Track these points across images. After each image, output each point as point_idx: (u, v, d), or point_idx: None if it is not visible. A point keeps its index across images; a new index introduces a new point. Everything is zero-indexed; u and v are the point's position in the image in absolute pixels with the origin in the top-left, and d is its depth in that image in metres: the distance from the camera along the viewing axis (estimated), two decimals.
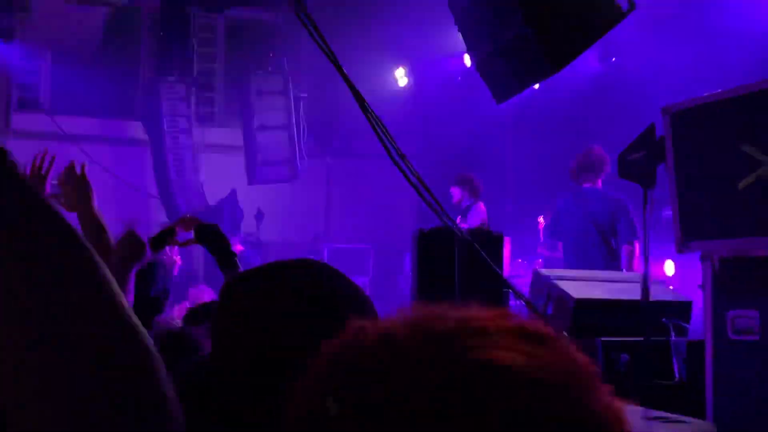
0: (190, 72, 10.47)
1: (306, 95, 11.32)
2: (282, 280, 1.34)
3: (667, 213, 6.80)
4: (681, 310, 4.83)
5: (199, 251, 11.25)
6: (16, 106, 11.11)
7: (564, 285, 4.91)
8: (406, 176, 5.10)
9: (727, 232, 3.56)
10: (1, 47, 9.37)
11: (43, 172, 2.68)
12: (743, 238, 3.50)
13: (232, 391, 1.28)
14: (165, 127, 10.13)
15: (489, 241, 4.74)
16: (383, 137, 5.06)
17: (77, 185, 2.65)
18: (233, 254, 2.93)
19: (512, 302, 5.40)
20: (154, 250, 2.84)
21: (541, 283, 5.10)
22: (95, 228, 2.61)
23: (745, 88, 3.47)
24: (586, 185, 6.72)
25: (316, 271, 1.37)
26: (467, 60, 7.79)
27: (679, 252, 4.01)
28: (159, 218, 10.19)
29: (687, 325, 4.78)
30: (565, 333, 4.60)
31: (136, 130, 10.78)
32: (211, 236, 2.87)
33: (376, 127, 5.14)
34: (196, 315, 3.77)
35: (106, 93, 10.96)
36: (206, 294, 8.35)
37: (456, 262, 4.52)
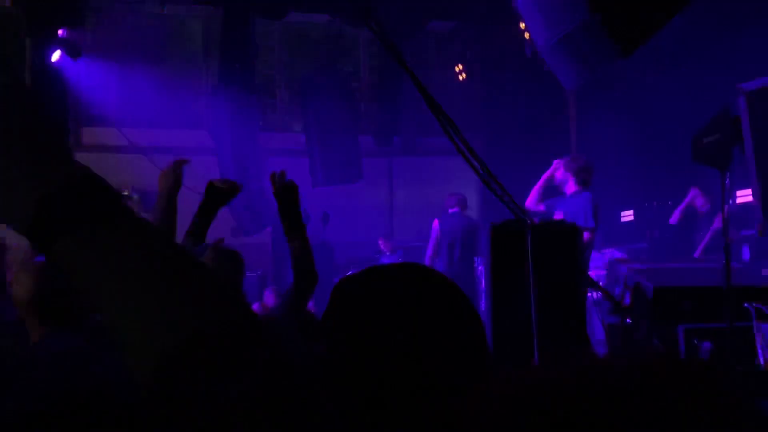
0: (252, 78, 10.61)
1: (368, 94, 11.39)
2: (391, 284, 1.37)
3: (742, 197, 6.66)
4: (763, 293, 4.71)
5: (269, 256, 11.42)
6: (86, 121, 11.43)
7: (641, 274, 4.84)
8: (475, 170, 5.10)
9: None
10: (69, 64, 9.63)
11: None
12: None
13: (349, 389, 1.30)
14: (230, 134, 10.29)
15: (562, 233, 4.69)
16: (451, 132, 5.07)
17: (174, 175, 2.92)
18: (303, 225, 3.03)
19: (589, 293, 5.34)
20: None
21: (617, 273, 5.04)
22: (172, 212, 2.82)
23: None
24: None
25: (423, 276, 1.39)
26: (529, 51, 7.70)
27: (760, 234, 3.92)
28: (227, 226, 10.37)
29: None
30: (645, 322, 4.54)
31: (203, 138, 10.98)
32: (290, 197, 3.00)
33: (444, 123, 5.15)
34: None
35: (171, 103, 11.20)
36: (270, 299, 8.46)
37: (529, 254, 4.49)
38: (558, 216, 6.66)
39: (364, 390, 1.27)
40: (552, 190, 6.97)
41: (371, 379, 1.26)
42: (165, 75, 11.22)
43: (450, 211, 9.28)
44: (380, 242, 10.72)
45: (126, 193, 11.31)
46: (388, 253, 10.58)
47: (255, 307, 8.00)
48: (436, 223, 9.23)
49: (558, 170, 6.81)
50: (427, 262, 9.16)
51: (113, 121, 11.05)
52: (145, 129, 11.22)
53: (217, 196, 3.19)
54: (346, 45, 11.77)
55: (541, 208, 6.93)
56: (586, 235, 6.13)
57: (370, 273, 1.40)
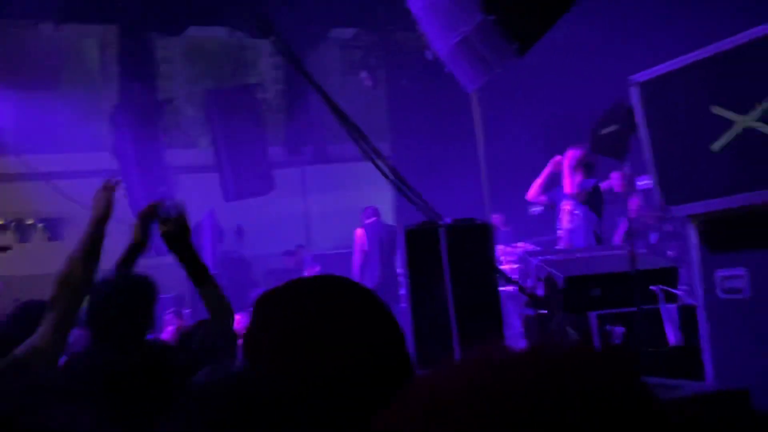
0: (154, 96, 10.42)
1: (275, 105, 11.33)
2: (312, 297, 1.37)
3: (642, 183, 6.91)
4: (668, 275, 4.89)
5: (184, 275, 11.20)
6: None
7: (551, 265, 4.96)
8: (384, 174, 5.14)
9: (707, 193, 3.62)
10: None
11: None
12: (723, 198, 3.56)
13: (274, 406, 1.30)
14: (135, 154, 10.07)
15: (474, 230, 4.77)
16: (359, 139, 5.09)
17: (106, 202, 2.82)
18: (205, 267, 2.94)
19: (502, 288, 5.43)
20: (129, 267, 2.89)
21: (529, 266, 5.15)
22: (99, 243, 2.73)
23: (708, 51, 3.53)
24: None
25: (343, 287, 1.40)
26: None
27: (662, 220, 4.07)
28: None
29: (676, 291, 4.84)
30: (558, 311, 4.65)
31: (107, 160, 10.71)
32: (180, 244, 2.89)
33: (351, 130, 5.17)
34: (191, 337, 3.75)
35: (71, 126, 10.89)
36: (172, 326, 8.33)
37: (444, 254, 4.55)
38: (565, 207, 7.28)
39: (287, 406, 1.27)
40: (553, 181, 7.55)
41: (293, 395, 1.26)
42: (63, 97, 10.91)
43: (367, 221, 9.57)
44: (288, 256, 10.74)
45: (30, 222, 10.94)
46: (295, 266, 10.60)
47: (169, 330, 7.86)
48: (360, 232, 9.51)
49: (563, 169, 7.32)
50: (356, 271, 9.38)
51: (12, 148, 10.67)
52: (46, 154, 10.88)
53: (134, 248, 3.07)
54: (249, 57, 11.68)
55: (543, 199, 7.44)
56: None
57: (289, 287, 1.39)
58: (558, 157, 7.33)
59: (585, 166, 7.12)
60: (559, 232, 7.47)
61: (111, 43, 10.68)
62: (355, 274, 9.30)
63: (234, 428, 1.41)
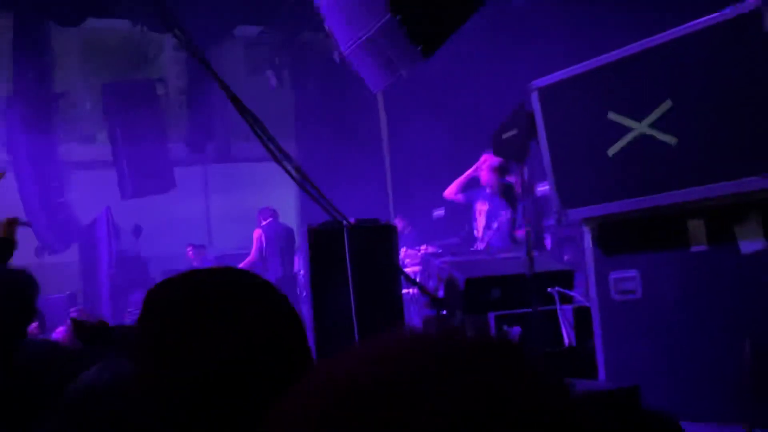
0: (50, 88, 10.05)
1: (177, 101, 11.10)
2: (206, 289, 1.32)
3: (542, 189, 7.09)
4: (564, 278, 5.02)
5: (77, 275, 10.85)
6: None
7: (452, 267, 5.02)
8: (289, 173, 5.10)
9: (602, 197, 3.73)
10: None
11: None
12: (617, 202, 3.67)
13: (164, 408, 1.25)
14: (28, 148, 9.69)
15: (378, 231, 4.79)
16: (264, 138, 5.03)
17: None
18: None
19: (405, 289, 5.47)
20: None
21: (431, 267, 5.20)
22: None
23: (604, 59, 3.64)
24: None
25: (240, 279, 1.36)
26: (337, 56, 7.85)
27: (559, 223, 4.17)
28: (30, 246, 9.75)
29: (572, 293, 4.98)
30: (459, 312, 4.71)
31: None
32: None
33: (256, 128, 5.10)
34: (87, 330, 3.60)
35: None
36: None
37: (347, 254, 4.55)
38: (482, 207, 7.42)
39: (183, 401, 1.23)
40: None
41: (189, 388, 1.22)
42: None
43: (265, 222, 9.57)
44: (189, 251, 10.53)
45: None
46: (196, 264, 10.38)
47: (60, 330, 7.57)
48: (258, 232, 9.50)
49: (482, 170, 7.41)
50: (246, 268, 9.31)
51: None
52: None
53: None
54: (150, 51, 11.40)
55: (460, 198, 7.68)
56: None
57: (183, 278, 1.34)
58: (484, 157, 7.50)
59: (501, 170, 7.36)
60: (476, 233, 7.62)
61: (4, 32, 10.24)
62: None
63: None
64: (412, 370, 0.61)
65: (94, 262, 10.29)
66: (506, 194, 7.44)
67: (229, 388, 1.19)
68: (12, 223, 3.15)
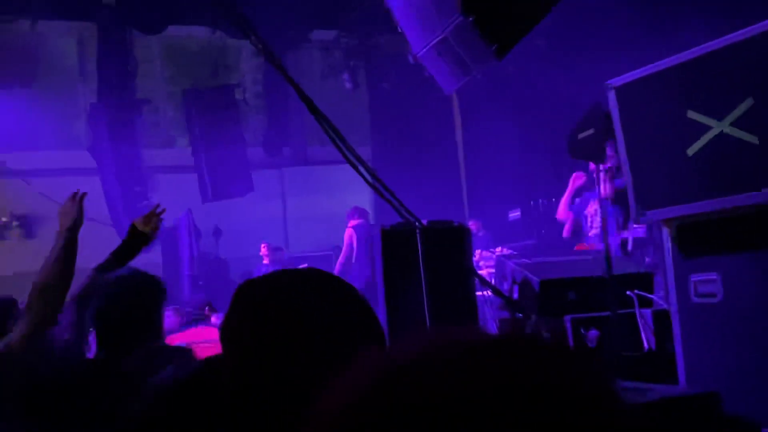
0: (133, 95, 10.36)
1: (255, 105, 11.30)
2: (296, 290, 1.38)
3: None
4: (644, 281, 4.91)
5: (160, 276, 11.12)
6: None
7: (527, 268, 4.97)
8: (363, 177, 5.13)
9: (681, 198, 3.64)
10: None
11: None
12: (697, 203, 3.58)
13: (249, 400, 1.30)
14: (112, 153, 10.01)
15: (451, 233, 4.77)
16: (338, 141, 5.08)
17: (76, 212, 2.86)
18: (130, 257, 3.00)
19: (479, 291, 5.44)
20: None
21: (505, 269, 5.15)
22: (72, 251, 2.75)
23: (683, 56, 3.55)
24: None
25: (326, 282, 1.42)
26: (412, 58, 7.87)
27: (637, 223, 4.09)
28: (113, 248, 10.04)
29: (651, 296, 4.86)
30: (534, 315, 4.66)
31: (84, 159, 10.63)
32: (140, 241, 2.95)
33: (330, 132, 5.16)
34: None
35: (48, 124, 10.81)
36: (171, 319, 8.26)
37: (421, 256, 4.54)
38: (592, 208, 7.32)
39: (268, 390, 1.27)
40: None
41: (274, 380, 1.26)
42: (40, 95, 10.81)
43: (354, 222, 9.69)
44: (263, 248, 10.67)
45: (5, 220, 10.82)
46: (267, 263, 10.52)
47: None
48: (349, 231, 9.63)
49: (580, 179, 7.38)
50: (337, 269, 9.47)
51: None
52: (21, 152, 10.78)
53: (139, 239, 3.07)
54: (229, 57, 11.64)
55: (571, 215, 7.58)
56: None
57: (271, 278, 1.41)
58: (579, 173, 7.45)
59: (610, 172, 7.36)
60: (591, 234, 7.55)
61: (89, 41, 10.61)
62: (336, 273, 9.35)
63: (196, 424, 1.41)
64: (476, 374, 0.61)
65: (176, 263, 10.56)
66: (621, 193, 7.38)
67: (312, 380, 1.22)
68: (152, 217, 3.19)
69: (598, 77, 4.13)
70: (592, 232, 7.45)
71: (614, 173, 7.21)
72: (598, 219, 7.34)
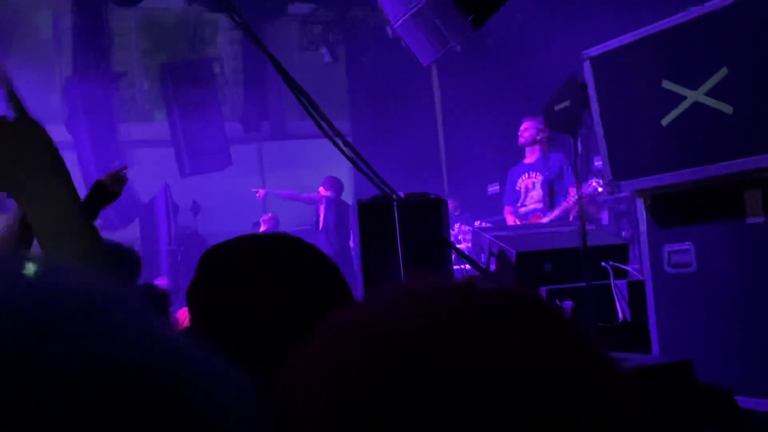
0: (109, 68, 10.24)
1: (233, 79, 11.21)
2: (261, 254, 1.37)
3: (598, 163, 6.97)
4: (619, 252, 4.94)
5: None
6: None
7: (504, 240, 4.98)
8: (341, 150, 5.11)
9: (655, 168, 3.65)
10: None
11: None
12: (671, 173, 3.59)
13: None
14: (88, 127, 9.91)
15: (427, 206, 4.77)
16: (315, 115, 5.05)
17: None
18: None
19: (457, 265, 5.45)
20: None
21: (481, 241, 5.16)
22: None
23: (658, 26, 3.55)
24: None
25: (293, 245, 1.40)
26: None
27: (612, 194, 4.10)
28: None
29: (626, 267, 4.89)
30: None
31: (59, 133, 10.51)
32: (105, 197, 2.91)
33: (308, 106, 5.12)
34: None
35: (22, 97, 10.66)
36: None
37: (397, 229, 4.54)
38: (530, 181, 7.22)
39: (234, 356, 1.26)
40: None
41: (240, 344, 1.25)
42: (15, 68, 10.65)
43: (326, 194, 9.68)
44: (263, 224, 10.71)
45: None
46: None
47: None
48: (320, 200, 9.63)
49: (528, 131, 7.21)
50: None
51: None
52: None
53: (103, 195, 3.02)
54: (206, 30, 11.52)
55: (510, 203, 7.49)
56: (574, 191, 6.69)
57: (233, 242, 1.41)
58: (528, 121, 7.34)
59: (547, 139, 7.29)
60: (523, 212, 7.49)
61: (64, 14, 10.46)
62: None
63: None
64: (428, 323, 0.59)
65: (153, 238, 10.50)
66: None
67: (282, 346, 1.22)
68: (119, 177, 3.13)
69: (576, 47, 4.12)
70: (525, 209, 7.35)
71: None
72: (536, 194, 7.30)
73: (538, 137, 7.20)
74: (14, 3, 10.34)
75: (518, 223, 7.28)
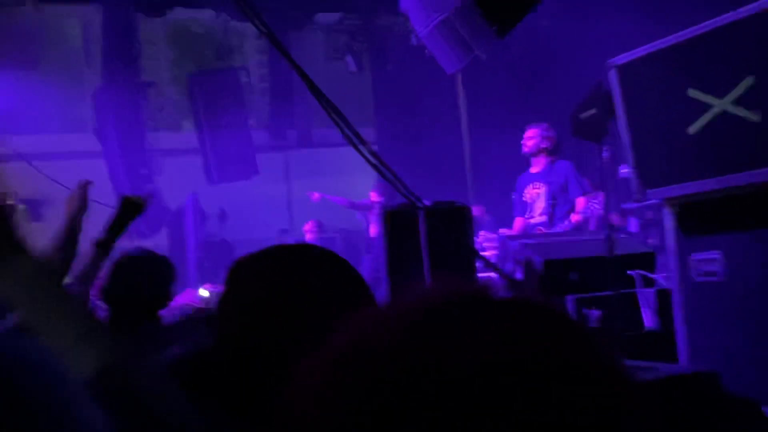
0: (138, 77, 10.36)
1: (259, 88, 11.29)
2: (289, 264, 1.39)
3: (624, 171, 6.93)
4: (646, 260, 4.92)
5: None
6: None
7: (530, 248, 4.97)
8: (366, 159, 5.13)
9: (682, 177, 3.64)
10: None
11: None
12: (698, 181, 3.57)
13: (242, 375, 1.31)
14: (117, 135, 10.02)
15: (453, 214, 4.78)
16: (340, 124, 5.08)
17: (80, 200, 2.88)
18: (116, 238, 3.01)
19: (482, 272, 5.45)
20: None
21: (508, 250, 5.16)
22: (75, 236, 2.79)
23: (684, 35, 3.54)
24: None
25: (319, 256, 1.43)
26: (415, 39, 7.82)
27: (638, 202, 4.09)
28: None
29: (654, 275, 4.87)
30: (537, 294, 4.66)
31: (89, 141, 10.65)
32: (131, 212, 2.96)
33: (333, 114, 5.16)
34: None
35: (54, 107, 10.82)
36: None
37: (422, 237, 4.56)
38: (536, 192, 7.05)
39: (260, 367, 1.28)
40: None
41: (268, 357, 1.27)
42: (44, 78, 10.81)
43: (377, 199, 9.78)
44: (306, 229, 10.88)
45: (11, 203, 10.87)
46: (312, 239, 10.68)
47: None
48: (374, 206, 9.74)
49: (531, 139, 7.02)
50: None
51: None
52: (28, 135, 10.79)
53: (130, 209, 3.09)
54: (234, 40, 11.61)
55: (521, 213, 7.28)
56: (584, 201, 6.54)
57: (261, 254, 1.44)
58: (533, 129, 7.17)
59: (555, 147, 7.11)
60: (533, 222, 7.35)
61: (94, 23, 10.60)
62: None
63: (203, 403, 1.42)
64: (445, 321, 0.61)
65: (181, 246, 10.60)
66: None
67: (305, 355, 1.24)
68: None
69: (601, 54, 4.12)
70: (535, 220, 7.14)
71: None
72: (541, 205, 7.14)
73: (543, 145, 6.99)
74: (45, 13, 10.49)
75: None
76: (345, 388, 0.59)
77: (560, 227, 6.86)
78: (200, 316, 3.87)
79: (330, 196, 10.60)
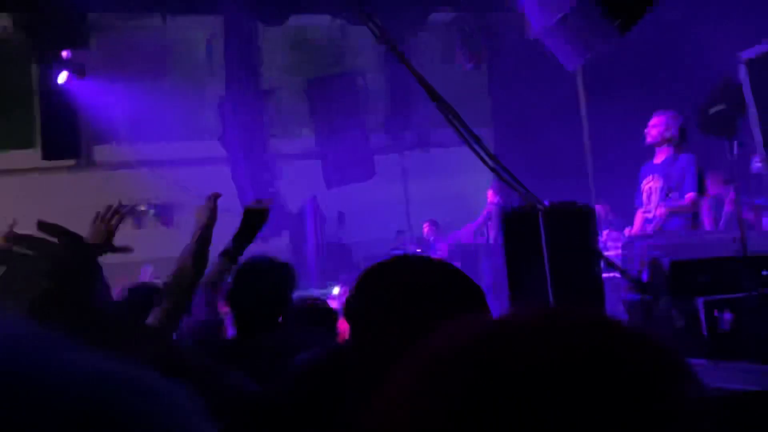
0: (259, 85, 10.66)
1: (376, 91, 11.42)
2: (416, 274, 1.48)
3: (757, 164, 6.61)
4: None
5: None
6: (96, 139, 11.52)
7: (657, 248, 4.81)
8: (482, 159, 5.10)
9: None
10: (76, 85, 9.71)
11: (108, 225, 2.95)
12: None
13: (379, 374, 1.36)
14: (241, 142, 10.34)
15: (575, 215, 4.67)
16: (456, 124, 5.07)
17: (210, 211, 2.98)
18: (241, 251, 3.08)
19: (605, 273, 5.31)
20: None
21: (633, 250, 5.01)
22: (206, 246, 2.89)
23: None
24: None
25: (438, 266, 1.53)
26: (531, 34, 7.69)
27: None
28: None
29: None
30: (664, 297, 4.52)
31: (212, 148, 11.03)
32: (256, 222, 3.04)
33: (448, 115, 5.15)
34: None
35: (179, 115, 11.27)
36: None
37: (543, 238, 4.48)
38: (653, 185, 6.63)
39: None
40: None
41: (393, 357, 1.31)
42: (171, 87, 11.29)
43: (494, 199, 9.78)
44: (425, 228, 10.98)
45: (142, 208, 11.40)
46: (433, 240, 10.77)
47: None
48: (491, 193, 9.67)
49: (656, 127, 6.53)
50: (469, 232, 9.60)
51: (123, 138, 11.13)
52: (154, 143, 11.29)
53: (254, 220, 3.19)
54: (351, 43, 11.77)
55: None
56: (691, 197, 6.22)
57: (393, 263, 1.54)
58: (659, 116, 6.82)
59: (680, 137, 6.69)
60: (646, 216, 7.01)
61: (217, 33, 10.98)
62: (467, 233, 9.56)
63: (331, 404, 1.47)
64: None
65: (302, 249, 10.84)
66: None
67: None
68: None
69: (729, 47, 3.95)
70: (649, 215, 6.64)
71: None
72: (655, 199, 6.77)
73: (667, 135, 6.58)
74: (171, 26, 10.95)
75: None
76: (437, 390, 0.61)
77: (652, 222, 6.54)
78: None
79: (455, 235, 10.63)
